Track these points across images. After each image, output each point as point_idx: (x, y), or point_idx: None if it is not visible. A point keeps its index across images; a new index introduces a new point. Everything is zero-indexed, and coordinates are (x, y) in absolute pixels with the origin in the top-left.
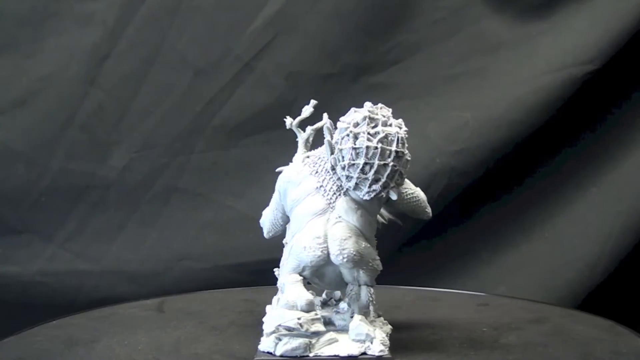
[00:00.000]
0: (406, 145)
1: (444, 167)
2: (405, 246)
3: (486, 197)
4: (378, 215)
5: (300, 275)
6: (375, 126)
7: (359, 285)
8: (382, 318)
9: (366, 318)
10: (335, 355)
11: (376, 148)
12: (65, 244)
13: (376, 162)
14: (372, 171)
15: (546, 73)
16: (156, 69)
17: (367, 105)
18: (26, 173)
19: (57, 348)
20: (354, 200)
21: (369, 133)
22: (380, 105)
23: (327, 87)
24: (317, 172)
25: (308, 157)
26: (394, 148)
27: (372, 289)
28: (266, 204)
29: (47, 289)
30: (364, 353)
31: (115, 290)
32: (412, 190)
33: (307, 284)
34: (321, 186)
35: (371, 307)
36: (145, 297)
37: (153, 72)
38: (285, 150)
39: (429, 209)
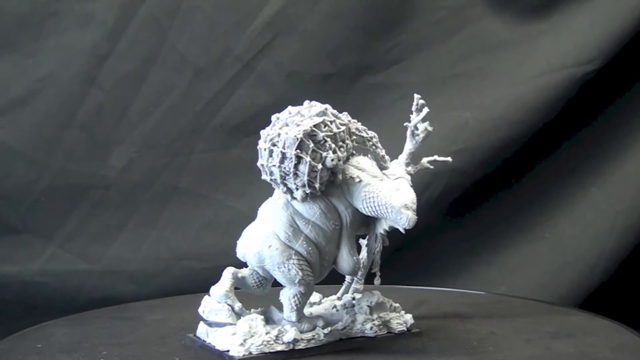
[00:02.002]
0: (306, 146)
1: (444, 167)
2: (405, 246)
3: (486, 197)
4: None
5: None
6: (273, 127)
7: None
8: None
9: (296, 319)
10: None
11: (265, 149)
12: (65, 244)
13: (266, 163)
14: (268, 172)
15: (546, 73)
16: (156, 69)
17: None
18: (26, 173)
19: (57, 348)
20: (281, 202)
21: (267, 134)
22: (311, 104)
23: (327, 87)
24: None
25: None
26: (280, 149)
27: (297, 294)
28: None
29: (47, 289)
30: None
31: (115, 290)
32: (373, 193)
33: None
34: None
35: (297, 313)
36: (145, 297)
37: (153, 72)
38: None
39: (403, 219)
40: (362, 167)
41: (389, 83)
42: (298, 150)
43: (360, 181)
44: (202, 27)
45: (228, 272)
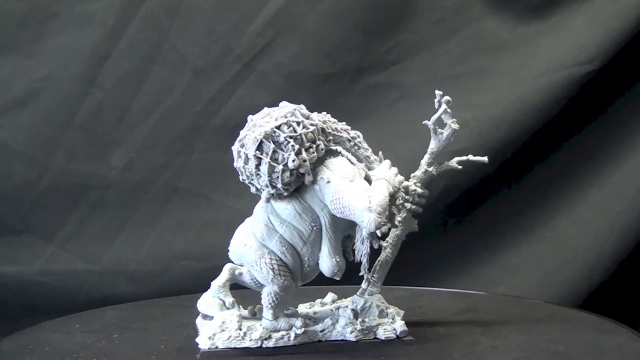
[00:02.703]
0: (267, 147)
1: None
2: (405, 246)
3: (486, 197)
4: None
5: None
6: (245, 128)
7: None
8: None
9: (271, 318)
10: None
11: (235, 151)
12: (65, 244)
13: (236, 164)
14: (239, 172)
15: (546, 73)
16: (156, 69)
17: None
18: (26, 173)
19: (56, 347)
20: (261, 202)
21: (239, 136)
22: (282, 104)
23: (327, 87)
24: None
25: None
26: (243, 150)
27: (272, 292)
28: None
29: (47, 289)
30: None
31: (115, 290)
32: (339, 194)
33: None
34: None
35: (270, 310)
36: (145, 297)
37: (153, 72)
38: None
39: (364, 221)
40: (333, 168)
41: (389, 83)
42: (258, 152)
43: (329, 182)
44: (202, 27)
45: (226, 268)
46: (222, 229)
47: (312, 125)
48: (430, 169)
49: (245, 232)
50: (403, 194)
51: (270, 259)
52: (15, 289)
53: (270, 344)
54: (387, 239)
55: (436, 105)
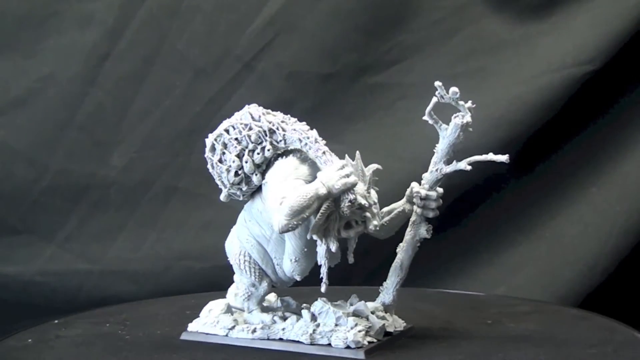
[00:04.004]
0: (217, 149)
1: None
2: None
3: (486, 197)
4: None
5: None
6: None
7: None
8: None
9: (247, 311)
10: None
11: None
12: (65, 244)
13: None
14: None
15: (546, 73)
16: (156, 69)
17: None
18: (26, 173)
19: (56, 347)
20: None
21: None
22: (246, 106)
23: (327, 87)
24: None
25: None
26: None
27: (247, 286)
28: None
29: (47, 289)
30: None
31: (115, 290)
32: (269, 194)
33: None
34: None
35: (245, 303)
36: (145, 297)
37: (153, 72)
38: None
39: (273, 221)
40: (276, 168)
41: (389, 83)
42: (210, 153)
43: (266, 182)
44: (202, 27)
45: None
46: (222, 229)
47: (257, 126)
48: (436, 169)
49: (233, 230)
50: (356, 197)
51: (243, 255)
52: (15, 289)
53: (234, 334)
54: (400, 244)
55: (436, 98)
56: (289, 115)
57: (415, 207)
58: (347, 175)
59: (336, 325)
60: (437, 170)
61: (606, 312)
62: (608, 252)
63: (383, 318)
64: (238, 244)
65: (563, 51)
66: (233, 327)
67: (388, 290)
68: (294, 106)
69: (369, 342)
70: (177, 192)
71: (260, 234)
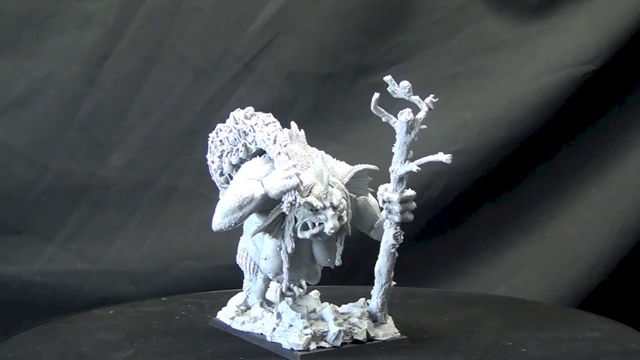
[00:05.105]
0: (209, 151)
1: (444, 167)
2: (404, 246)
3: (486, 197)
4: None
5: None
6: None
7: None
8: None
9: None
10: None
11: None
12: (65, 244)
13: None
14: None
15: (546, 73)
16: (156, 69)
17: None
18: (26, 173)
19: (56, 347)
20: None
21: None
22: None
23: (327, 87)
24: None
25: None
26: None
27: (245, 279)
28: None
29: (47, 289)
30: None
31: (115, 290)
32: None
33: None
34: None
35: (248, 298)
36: (145, 297)
37: (153, 72)
38: None
39: (212, 224)
40: (240, 168)
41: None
42: (207, 155)
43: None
44: (202, 27)
45: None
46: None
47: (236, 129)
48: (391, 170)
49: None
50: (295, 198)
51: (243, 250)
52: (15, 289)
53: (233, 325)
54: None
55: (377, 94)
56: (270, 116)
57: (382, 212)
58: (290, 177)
59: (290, 326)
60: (392, 172)
61: (606, 312)
62: (608, 252)
63: (354, 325)
64: (243, 240)
65: (563, 51)
66: (233, 318)
67: (373, 298)
68: (294, 106)
69: (318, 347)
70: (177, 192)
71: (250, 230)
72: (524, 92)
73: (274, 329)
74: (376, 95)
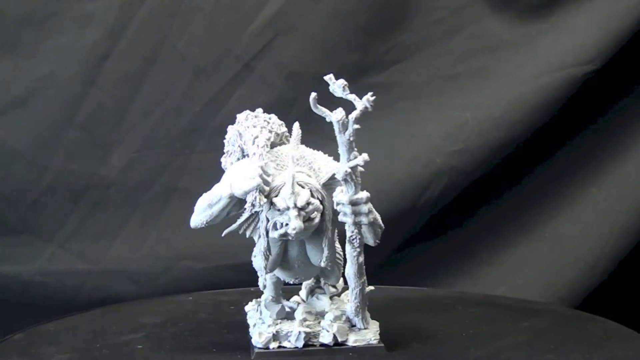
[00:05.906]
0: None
1: (444, 167)
2: (404, 246)
3: (486, 197)
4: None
5: None
6: None
7: None
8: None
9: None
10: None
11: None
12: (65, 244)
13: None
14: None
15: (546, 73)
16: (156, 69)
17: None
18: (26, 173)
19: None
20: None
21: None
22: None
23: (327, 87)
24: None
25: None
26: None
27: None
28: None
29: (47, 289)
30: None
31: (115, 290)
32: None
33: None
34: None
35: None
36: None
37: (153, 72)
38: None
39: (192, 222)
40: (227, 169)
41: (389, 83)
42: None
43: None
44: (202, 27)
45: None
46: (223, 229)
47: (236, 130)
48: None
49: None
50: (255, 198)
51: (255, 246)
52: (15, 289)
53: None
54: None
55: (314, 93)
56: (273, 118)
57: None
58: (253, 177)
59: (254, 325)
60: (336, 174)
61: (606, 312)
62: (608, 252)
63: (324, 328)
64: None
65: (563, 51)
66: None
67: (349, 303)
68: (294, 106)
69: (279, 347)
70: (177, 192)
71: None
72: (524, 92)
73: (255, 324)
74: (313, 94)
